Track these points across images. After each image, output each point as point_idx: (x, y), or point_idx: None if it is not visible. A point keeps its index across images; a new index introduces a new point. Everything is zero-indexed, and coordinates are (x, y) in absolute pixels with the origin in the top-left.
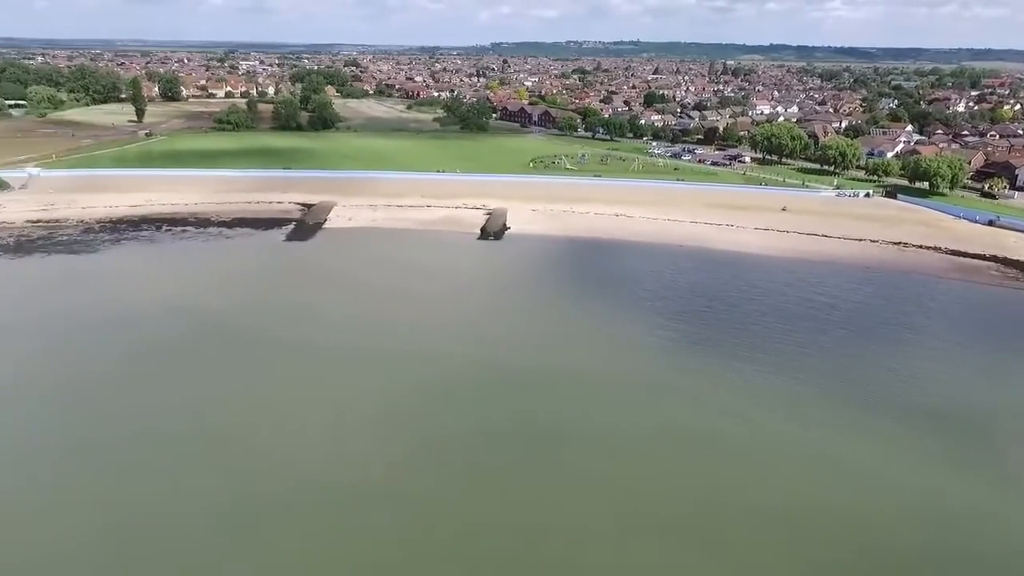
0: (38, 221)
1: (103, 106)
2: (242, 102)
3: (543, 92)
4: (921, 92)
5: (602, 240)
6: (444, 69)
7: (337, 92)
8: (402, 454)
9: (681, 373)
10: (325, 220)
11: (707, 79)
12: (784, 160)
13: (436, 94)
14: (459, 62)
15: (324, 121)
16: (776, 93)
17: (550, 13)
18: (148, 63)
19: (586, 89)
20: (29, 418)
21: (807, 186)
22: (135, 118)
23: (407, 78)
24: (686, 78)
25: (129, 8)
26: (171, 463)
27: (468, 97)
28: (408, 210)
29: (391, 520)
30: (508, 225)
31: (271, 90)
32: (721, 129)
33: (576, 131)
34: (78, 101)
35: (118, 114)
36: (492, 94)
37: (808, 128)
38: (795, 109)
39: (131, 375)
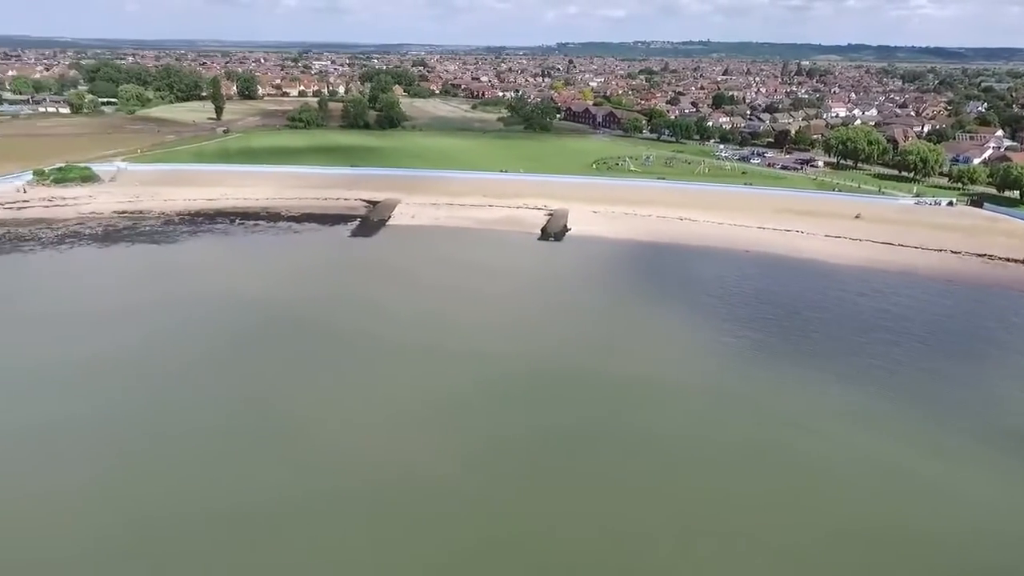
0: (124, 212)
1: (185, 104)
2: (314, 101)
3: (608, 93)
4: (1014, 94)
5: (664, 244)
6: (510, 69)
7: (404, 92)
8: (464, 453)
9: (746, 382)
10: (389, 217)
11: (779, 80)
12: (860, 165)
13: (501, 94)
14: (524, 62)
15: (391, 120)
16: (853, 95)
17: (617, 13)
18: (227, 63)
19: (652, 90)
20: (103, 408)
21: (884, 193)
22: (214, 115)
23: (473, 78)
24: (757, 79)
25: (210, 9)
26: (241, 455)
27: (532, 97)
28: (470, 209)
29: (456, 520)
30: (569, 226)
31: (341, 89)
32: (793, 132)
33: (641, 132)
34: (163, 99)
35: (199, 111)
36: (557, 94)
37: (887, 132)
38: (873, 112)
39: (205, 365)
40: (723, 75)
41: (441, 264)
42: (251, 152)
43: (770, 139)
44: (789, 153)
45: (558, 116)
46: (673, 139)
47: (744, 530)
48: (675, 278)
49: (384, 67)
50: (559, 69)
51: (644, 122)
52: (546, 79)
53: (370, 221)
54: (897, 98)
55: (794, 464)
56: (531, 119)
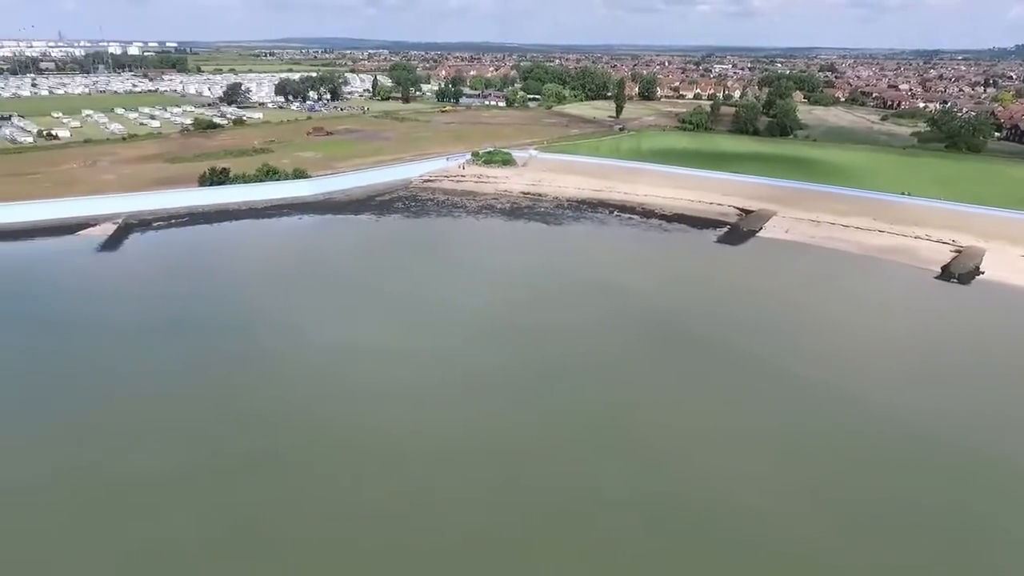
0: (527, 193)
1: (593, 102)
2: (706, 104)
3: None
4: None
5: None
6: (940, 76)
7: (804, 98)
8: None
9: None
10: (760, 228)
11: None
12: None
13: (922, 105)
14: (963, 68)
15: (783, 128)
16: None
17: None
18: (634, 65)
19: None
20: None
21: None
22: (614, 114)
23: (889, 85)
24: None
25: (629, 17)
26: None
27: (965, 110)
28: (854, 232)
29: None
30: (982, 269)
31: (737, 93)
32: None
33: None
34: (576, 97)
35: (602, 109)
36: (1000, 108)
37: None
38: None
39: (560, 343)
40: None
41: (809, 286)
42: (638, 151)
43: None
44: None
45: (996, 135)
46: None
47: None
48: None
49: (787, 72)
50: (1012, 77)
51: None
52: (989, 89)
53: (739, 230)
54: None
55: None
56: (957, 136)
